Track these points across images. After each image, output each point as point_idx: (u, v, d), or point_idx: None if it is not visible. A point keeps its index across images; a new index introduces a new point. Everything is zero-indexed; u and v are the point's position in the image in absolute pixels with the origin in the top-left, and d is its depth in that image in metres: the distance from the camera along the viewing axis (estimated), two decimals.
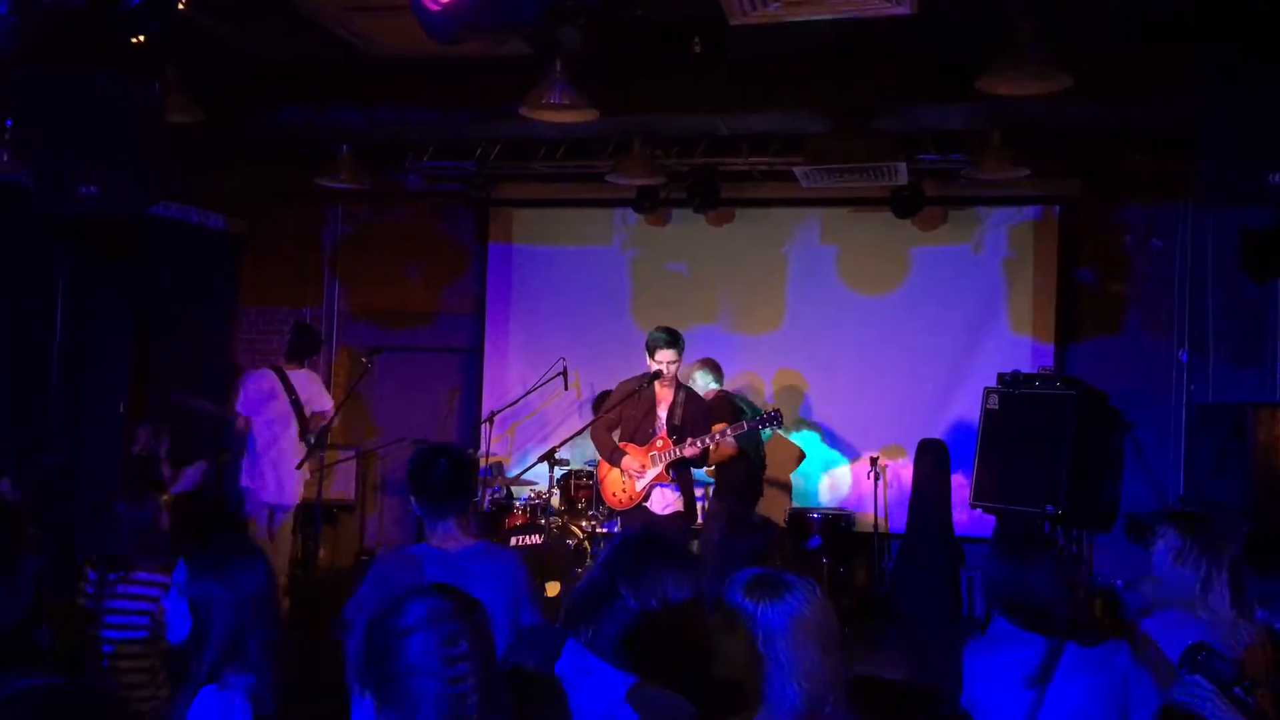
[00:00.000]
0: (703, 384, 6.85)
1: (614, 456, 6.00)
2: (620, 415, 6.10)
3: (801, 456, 8.14)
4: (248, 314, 9.42)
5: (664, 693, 2.44)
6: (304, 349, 7.48)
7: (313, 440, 7.15)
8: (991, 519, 7.42)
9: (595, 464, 7.56)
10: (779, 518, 7.90)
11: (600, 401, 7.46)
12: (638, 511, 5.93)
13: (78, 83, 4.62)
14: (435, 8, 3.13)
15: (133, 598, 4.00)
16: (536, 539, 6.78)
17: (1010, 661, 2.83)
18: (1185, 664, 2.56)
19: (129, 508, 4.14)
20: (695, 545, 5.83)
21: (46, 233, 7.01)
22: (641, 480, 5.89)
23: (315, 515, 7.70)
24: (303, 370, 7.37)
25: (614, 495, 6.02)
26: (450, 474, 3.49)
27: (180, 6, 4.07)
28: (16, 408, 7.11)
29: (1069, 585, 2.87)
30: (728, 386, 7.64)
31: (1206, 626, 2.95)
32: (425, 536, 3.58)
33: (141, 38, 4.01)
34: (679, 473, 5.93)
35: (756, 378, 8.42)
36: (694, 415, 6.00)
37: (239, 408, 7.18)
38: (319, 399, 7.38)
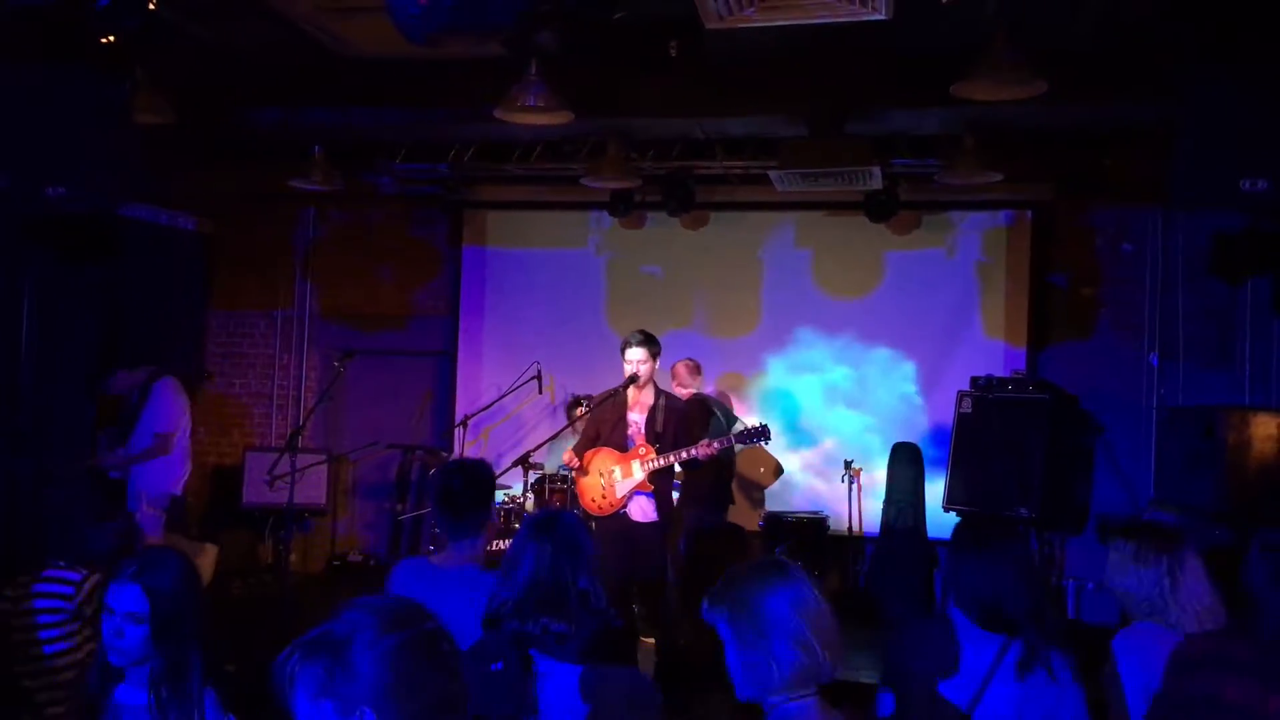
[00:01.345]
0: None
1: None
2: (595, 421, 6.07)
3: (779, 470, 8.15)
4: (218, 316, 9.33)
5: (623, 670, 2.46)
6: None
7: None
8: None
9: (568, 469, 7.56)
10: (753, 522, 7.91)
11: (574, 405, 7.44)
12: (615, 518, 5.89)
13: (46, 81, 4.55)
14: (412, 10, 3.10)
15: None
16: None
17: (965, 653, 2.82)
18: None
19: (94, 533, 4.08)
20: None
21: (16, 234, 6.91)
22: (622, 487, 5.85)
23: (286, 520, 7.62)
24: None
25: (592, 501, 5.96)
26: (467, 490, 3.48)
27: (151, 6, 4.00)
28: None
29: (1029, 582, 2.84)
30: (705, 390, 7.66)
31: (1181, 636, 2.94)
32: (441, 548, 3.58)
33: (112, 38, 3.96)
34: (657, 481, 5.88)
35: (732, 381, 8.42)
36: (678, 422, 5.96)
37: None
38: None
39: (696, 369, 7.45)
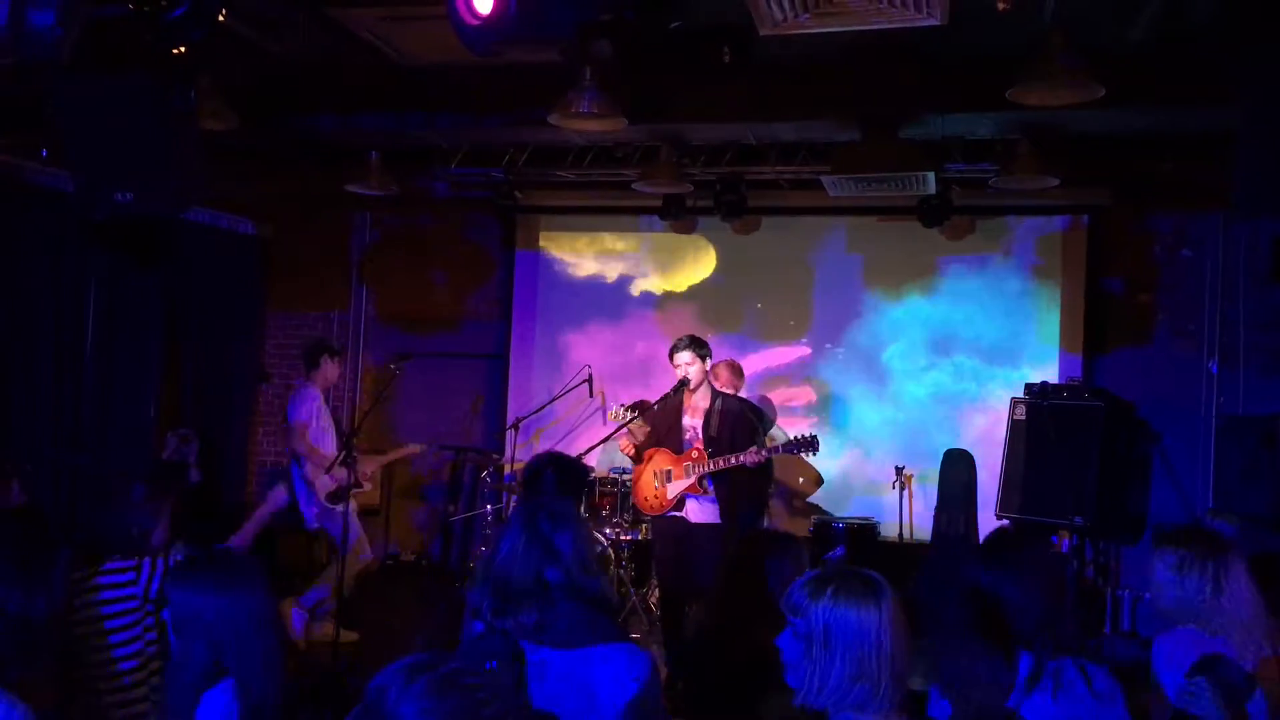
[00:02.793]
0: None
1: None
2: (654, 422, 6.12)
3: (820, 480, 8.12)
4: (275, 319, 9.48)
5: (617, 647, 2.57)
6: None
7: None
8: None
9: (620, 471, 7.60)
10: (802, 529, 7.89)
11: (628, 410, 7.47)
12: (671, 520, 5.93)
13: (116, 89, 4.67)
14: (474, 21, 3.16)
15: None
16: None
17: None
18: (1194, 669, 2.52)
19: (145, 495, 4.09)
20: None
21: (82, 237, 7.10)
22: (673, 489, 5.89)
23: (343, 523, 7.72)
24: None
25: (645, 499, 6.02)
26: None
27: (220, 18, 4.11)
28: (54, 410, 7.20)
29: (1043, 593, 2.79)
30: (751, 394, 7.65)
31: (1222, 643, 2.90)
32: None
33: (183, 48, 4.06)
34: (717, 484, 5.90)
35: (780, 386, 8.41)
36: (732, 426, 5.98)
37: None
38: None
39: (738, 371, 7.44)
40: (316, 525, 7.33)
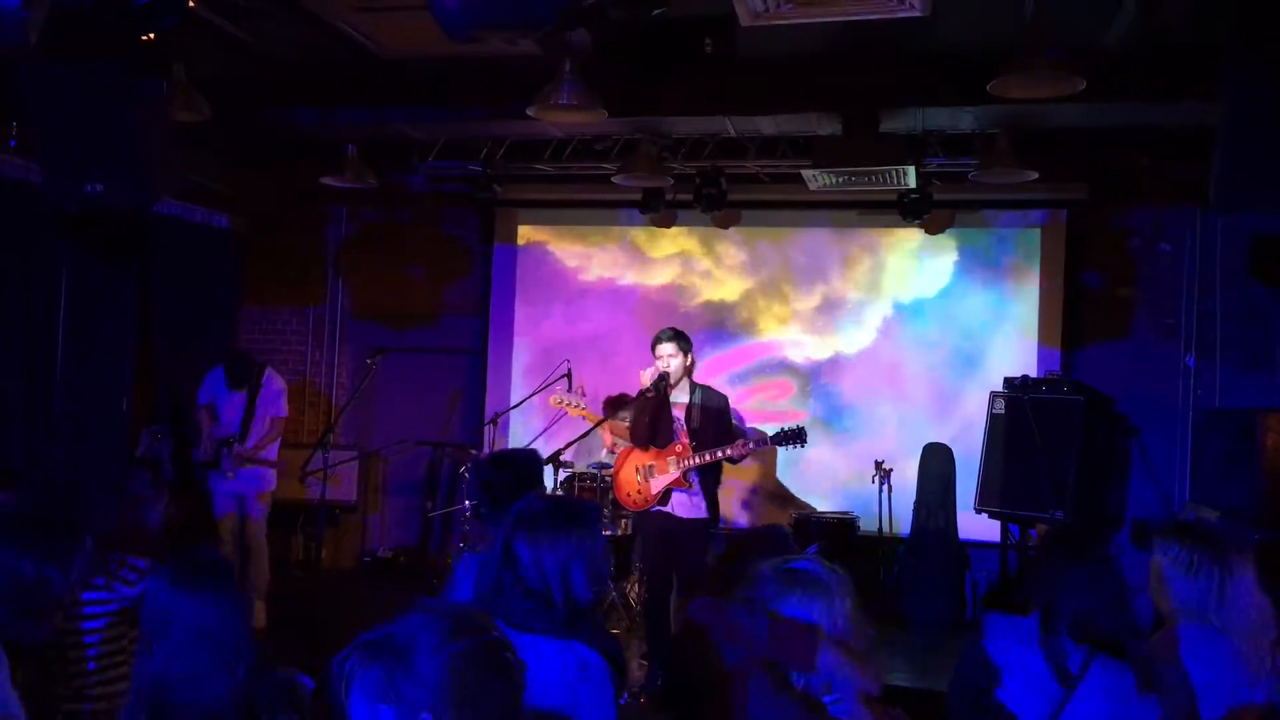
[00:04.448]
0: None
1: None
2: (640, 421, 6.06)
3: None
4: (250, 313, 9.39)
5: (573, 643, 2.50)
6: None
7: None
8: (996, 524, 7.41)
9: (599, 466, 7.56)
10: (782, 522, 7.88)
11: (608, 406, 7.41)
12: (657, 515, 5.89)
13: (85, 78, 4.58)
14: (452, 4, 3.10)
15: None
16: None
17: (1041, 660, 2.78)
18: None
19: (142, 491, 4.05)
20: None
21: (53, 229, 6.99)
22: (657, 483, 5.85)
23: (318, 517, 7.67)
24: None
25: (627, 495, 5.96)
26: (513, 483, 3.48)
27: (190, 4, 4.04)
28: (27, 405, 7.10)
29: (1116, 594, 2.81)
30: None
31: (1233, 643, 2.90)
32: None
33: (151, 36, 3.99)
34: (702, 478, 5.87)
35: (762, 380, 8.39)
36: (715, 419, 5.94)
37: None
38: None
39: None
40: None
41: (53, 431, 7.25)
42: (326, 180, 7.80)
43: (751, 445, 5.90)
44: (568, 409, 6.65)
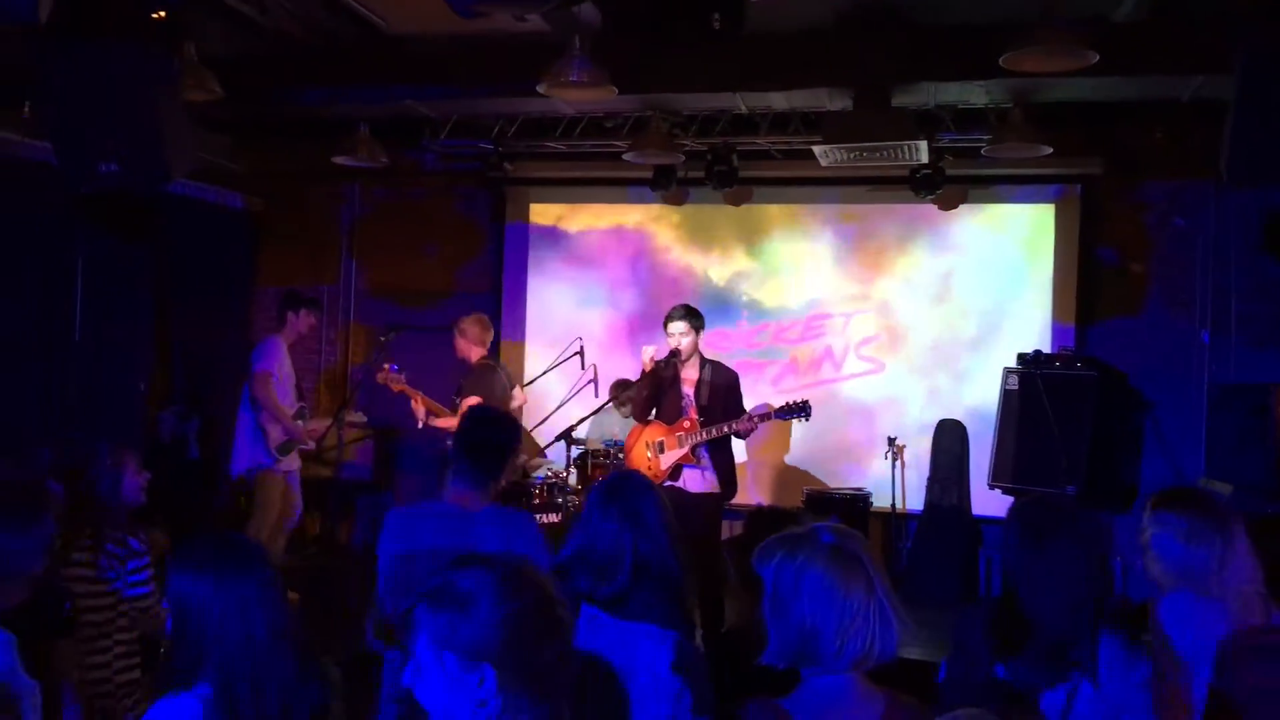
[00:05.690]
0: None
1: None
2: (639, 395, 6.10)
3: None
4: (265, 293, 9.43)
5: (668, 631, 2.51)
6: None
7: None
8: (1009, 500, 7.40)
9: (612, 443, 7.58)
10: (796, 498, 7.90)
11: (618, 386, 7.43)
12: (669, 491, 5.91)
13: (98, 57, 4.60)
14: None
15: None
16: (555, 517, 6.78)
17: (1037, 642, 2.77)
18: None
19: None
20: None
21: (69, 211, 7.03)
22: (666, 459, 5.89)
23: (333, 494, 7.73)
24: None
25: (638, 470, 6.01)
26: (481, 437, 3.56)
27: None
28: (43, 386, 7.16)
29: (1094, 573, 2.75)
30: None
31: (1225, 609, 2.90)
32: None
33: (162, 13, 4.00)
34: (713, 453, 5.89)
35: (773, 355, 8.39)
36: (724, 395, 5.96)
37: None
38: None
39: (486, 325, 7.28)
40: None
41: (71, 414, 7.31)
42: (339, 159, 7.82)
43: (756, 419, 5.92)
44: (391, 385, 6.96)
